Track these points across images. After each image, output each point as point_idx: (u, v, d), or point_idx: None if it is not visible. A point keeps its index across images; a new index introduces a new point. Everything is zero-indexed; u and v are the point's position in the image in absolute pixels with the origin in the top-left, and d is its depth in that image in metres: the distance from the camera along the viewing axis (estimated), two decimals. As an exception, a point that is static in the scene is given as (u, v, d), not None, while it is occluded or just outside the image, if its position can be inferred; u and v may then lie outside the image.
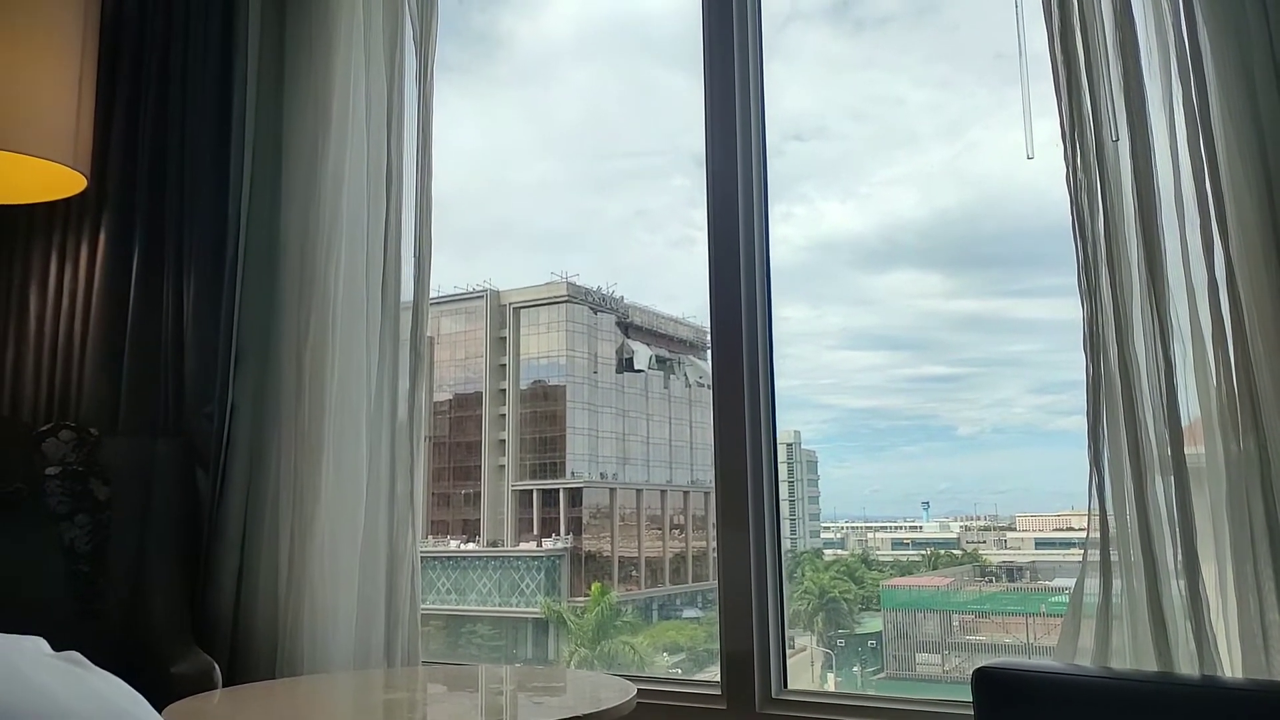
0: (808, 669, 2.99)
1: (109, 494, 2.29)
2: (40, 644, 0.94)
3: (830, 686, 2.91)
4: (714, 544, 2.26)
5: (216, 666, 2.01)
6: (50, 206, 2.66)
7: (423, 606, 2.32)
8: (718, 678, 2.19)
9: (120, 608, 2.25)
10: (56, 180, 2.45)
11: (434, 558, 3.70)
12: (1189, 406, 1.62)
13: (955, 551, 3.12)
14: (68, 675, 0.89)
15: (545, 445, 3.79)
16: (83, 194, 2.54)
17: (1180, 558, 1.57)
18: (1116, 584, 1.63)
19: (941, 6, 2.76)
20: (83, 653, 0.98)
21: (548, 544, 3.67)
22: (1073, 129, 1.71)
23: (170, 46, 2.60)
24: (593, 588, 3.54)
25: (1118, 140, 1.68)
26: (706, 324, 2.34)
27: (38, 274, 2.70)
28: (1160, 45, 1.67)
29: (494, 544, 3.76)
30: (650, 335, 3.84)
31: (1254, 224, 1.57)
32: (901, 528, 3.25)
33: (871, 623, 3.09)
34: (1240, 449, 1.55)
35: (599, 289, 3.85)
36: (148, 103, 2.61)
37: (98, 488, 2.29)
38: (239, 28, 2.54)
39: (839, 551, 3.25)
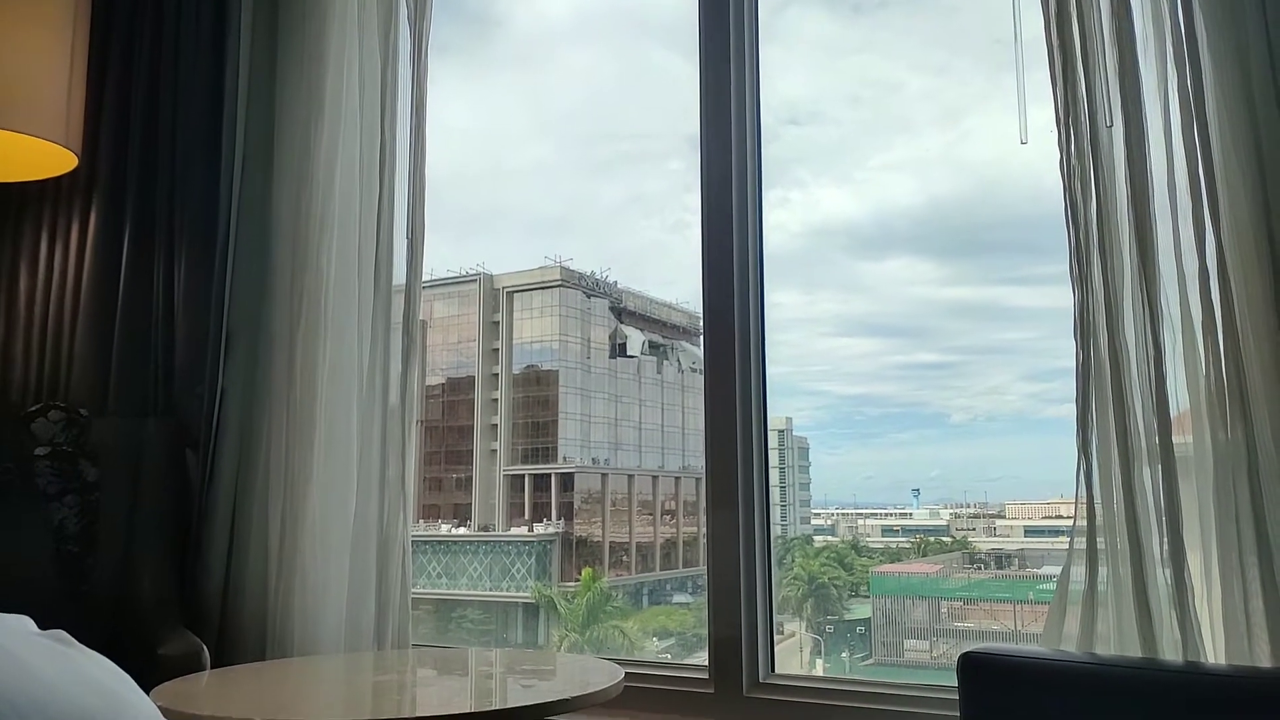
0: (796, 654, 3.00)
1: (98, 475, 2.29)
2: (26, 622, 0.94)
3: (818, 672, 2.92)
4: (705, 530, 2.26)
5: (205, 648, 2.00)
6: (40, 185, 2.64)
7: (413, 590, 2.33)
8: (706, 663, 2.19)
9: (109, 588, 2.24)
10: (47, 158, 2.44)
11: (425, 541, 3.71)
12: (1178, 396, 1.62)
13: (945, 539, 3.14)
14: (54, 653, 0.88)
15: (537, 430, 3.79)
16: (73, 172, 2.53)
17: (1166, 545, 1.58)
18: (1103, 571, 1.64)
19: (939, -9, 2.75)
20: (71, 633, 0.97)
21: (539, 529, 3.68)
22: (1067, 115, 1.71)
23: (162, 25, 2.58)
24: (583, 573, 3.55)
25: (1112, 126, 1.67)
26: (700, 309, 2.34)
27: (27, 253, 2.69)
28: (1156, 32, 1.67)
29: (485, 528, 3.77)
30: (643, 320, 3.84)
31: (1246, 213, 1.57)
32: (891, 515, 3.27)
33: (860, 609, 3.11)
34: (1228, 438, 1.55)
35: (593, 274, 3.84)
36: (139, 81, 2.59)
37: (87, 468, 2.28)
38: (232, 6, 2.52)
39: (829, 538, 3.26)
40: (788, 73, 2.64)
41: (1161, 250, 1.64)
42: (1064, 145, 1.71)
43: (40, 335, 2.62)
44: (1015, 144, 1.86)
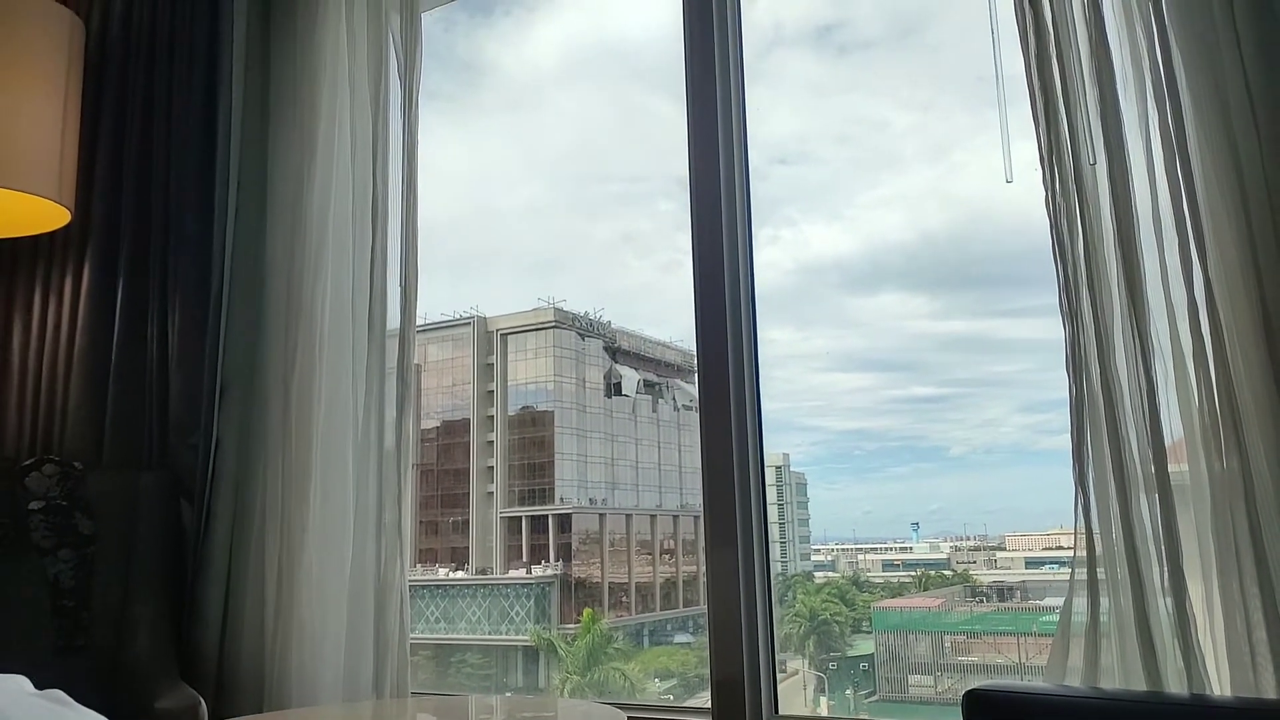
0: (800, 693, 2.97)
1: (93, 528, 2.28)
2: (23, 683, 0.93)
3: (823, 710, 2.90)
4: (704, 568, 2.25)
5: (202, 701, 1.99)
6: (34, 240, 2.65)
7: (411, 636, 2.31)
8: (709, 704, 2.17)
9: (105, 643, 2.22)
10: (40, 214, 2.45)
11: (422, 586, 3.68)
12: (1172, 425, 1.63)
13: (946, 572, 3.12)
14: (51, 714, 0.88)
15: (534, 471, 3.78)
16: (67, 227, 2.54)
17: (1166, 576, 1.58)
18: (1104, 603, 1.63)
19: (923, 30, 2.79)
20: (67, 688, 0.97)
21: (537, 571, 3.66)
22: (1051, 153, 1.73)
23: (154, 79, 2.61)
24: (584, 614, 3.52)
25: (1095, 164, 1.70)
26: (693, 348, 2.34)
27: (21, 307, 2.70)
28: (1135, 70, 1.70)
29: (483, 571, 3.74)
30: (638, 359, 3.85)
31: (1231, 244, 1.59)
32: (892, 549, 3.25)
33: (863, 645, 3.09)
34: (1223, 467, 1.56)
35: (586, 314, 3.85)
36: (132, 135, 2.61)
37: (82, 522, 2.27)
38: (223, 59, 2.55)
39: (829, 574, 3.24)
40: (775, 113, 2.67)
41: (1149, 283, 1.65)
42: (1048, 183, 1.73)
43: (34, 389, 2.61)
44: (1001, 178, 1.89)
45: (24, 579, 2.21)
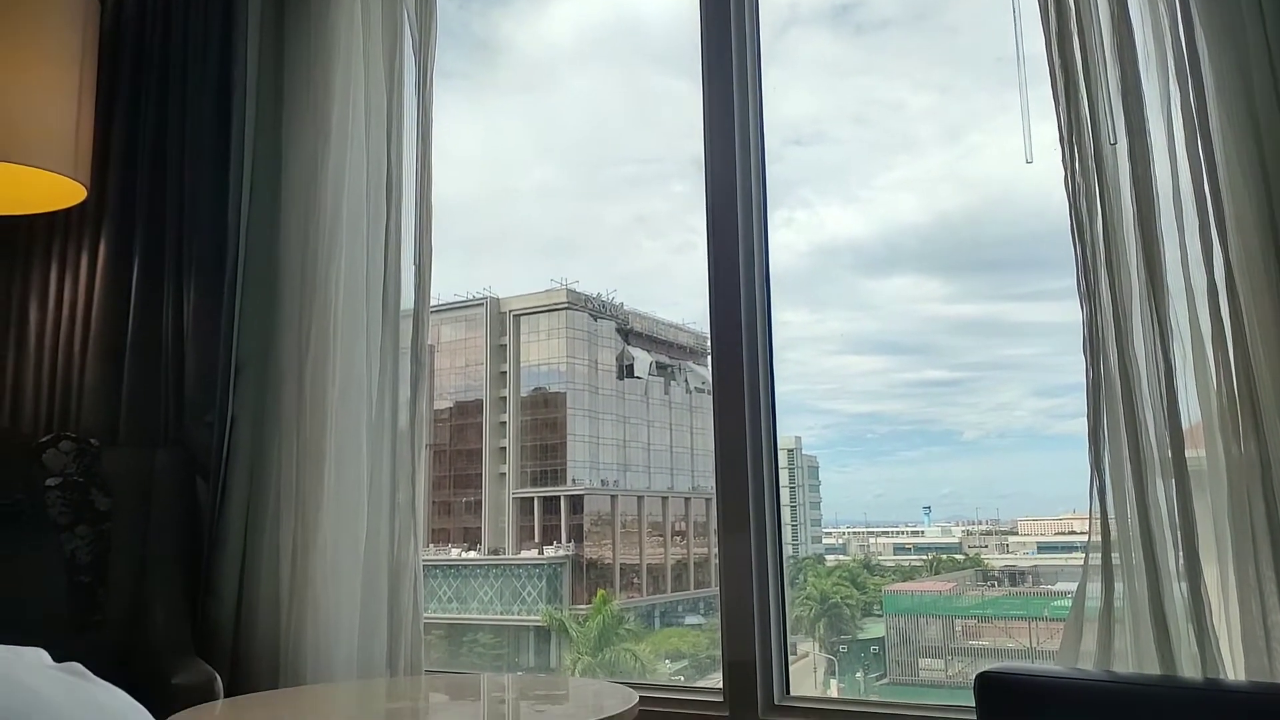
0: (810, 675, 2.98)
1: (109, 505, 2.29)
2: (41, 655, 0.94)
3: (833, 693, 2.90)
4: (715, 550, 2.25)
5: (218, 677, 2.00)
6: (50, 217, 2.66)
7: (424, 615, 2.32)
8: (720, 685, 2.18)
9: (121, 618, 2.24)
10: (56, 191, 2.46)
11: (435, 566, 3.70)
12: (1189, 409, 1.62)
13: (957, 556, 3.12)
14: (69, 686, 0.89)
15: (546, 452, 3.78)
16: (82, 204, 2.54)
17: (1182, 560, 1.57)
18: (1118, 587, 1.63)
19: (940, 10, 2.76)
20: (84, 664, 0.98)
21: (549, 552, 3.67)
22: (1071, 133, 1.71)
23: (170, 56, 2.61)
24: (597, 595, 3.54)
25: (1116, 144, 1.68)
26: (707, 330, 2.34)
27: (37, 284, 2.71)
28: (1158, 49, 1.68)
29: (495, 552, 3.76)
30: (650, 341, 3.84)
31: (1253, 226, 1.57)
32: (903, 533, 3.25)
33: (874, 628, 3.09)
34: (1241, 451, 1.55)
35: (599, 295, 3.85)
36: (147, 112, 2.61)
37: (98, 498, 2.29)
38: (238, 36, 2.54)
39: (841, 557, 3.25)
40: (791, 94, 2.65)
41: (1169, 265, 1.64)
42: (1068, 163, 1.72)
43: (51, 366, 2.63)
44: (1019, 160, 1.87)
45: (41, 555, 2.23)
